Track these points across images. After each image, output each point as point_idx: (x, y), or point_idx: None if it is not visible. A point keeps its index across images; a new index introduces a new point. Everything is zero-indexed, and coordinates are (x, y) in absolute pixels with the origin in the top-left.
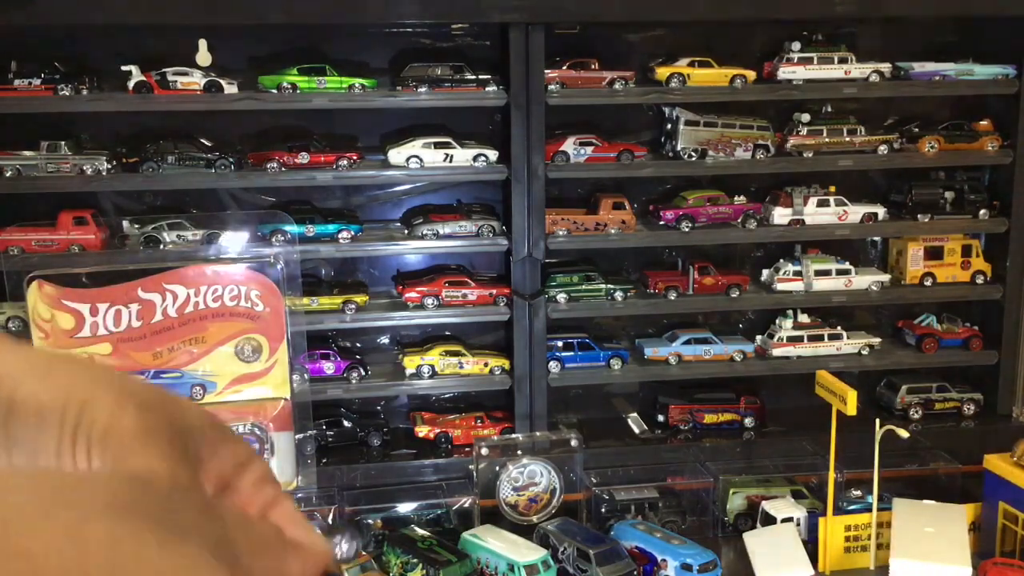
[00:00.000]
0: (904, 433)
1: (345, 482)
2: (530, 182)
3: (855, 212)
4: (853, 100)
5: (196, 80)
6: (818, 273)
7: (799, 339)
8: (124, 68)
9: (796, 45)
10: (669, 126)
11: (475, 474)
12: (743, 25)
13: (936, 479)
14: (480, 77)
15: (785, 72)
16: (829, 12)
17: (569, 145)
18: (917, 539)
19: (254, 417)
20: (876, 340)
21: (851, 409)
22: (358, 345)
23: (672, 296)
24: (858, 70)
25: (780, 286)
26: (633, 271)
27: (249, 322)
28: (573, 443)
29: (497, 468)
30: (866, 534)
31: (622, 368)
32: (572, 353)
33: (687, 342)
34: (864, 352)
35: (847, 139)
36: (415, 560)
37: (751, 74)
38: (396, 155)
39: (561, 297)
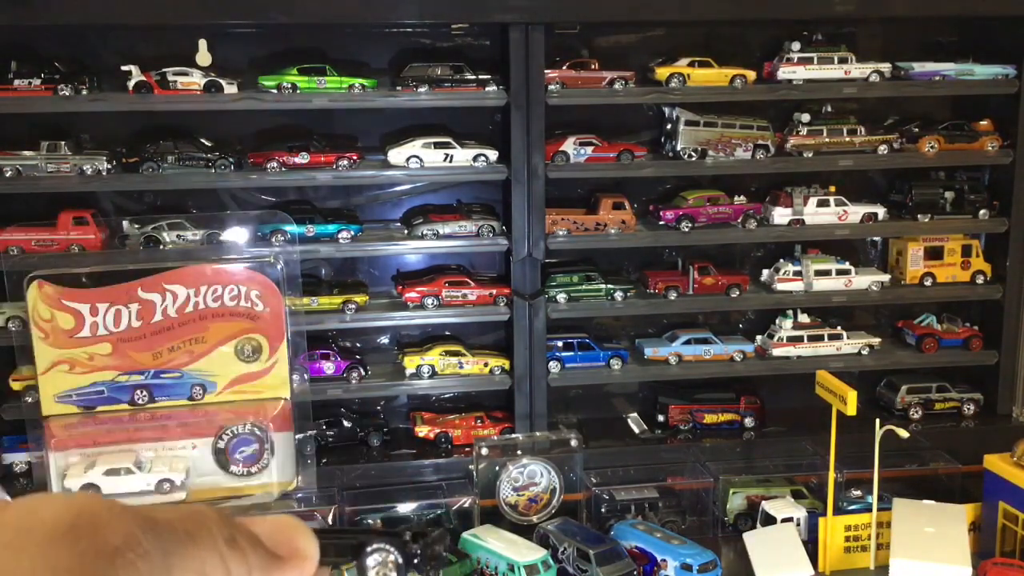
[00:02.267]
0: (904, 433)
1: (345, 482)
2: (530, 182)
3: (855, 212)
4: (853, 100)
5: (196, 80)
6: (818, 273)
7: (799, 339)
8: (124, 68)
9: (796, 45)
10: (669, 126)
11: (475, 474)
12: (743, 25)
13: (936, 479)
14: (480, 77)
15: (785, 72)
16: (829, 12)
17: (569, 145)
18: (917, 539)
19: (254, 417)
20: (876, 340)
21: (851, 409)
22: (358, 345)
23: (672, 296)
24: (858, 70)
25: (780, 286)
26: (633, 271)
27: (249, 322)
28: (573, 443)
29: (497, 468)
30: (866, 534)
31: (622, 368)
32: (572, 353)
33: (687, 342)
34: (864, 352)
35: (847, 139)
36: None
37: (751, 74)
38: (396, 155)
39: (561, 297)
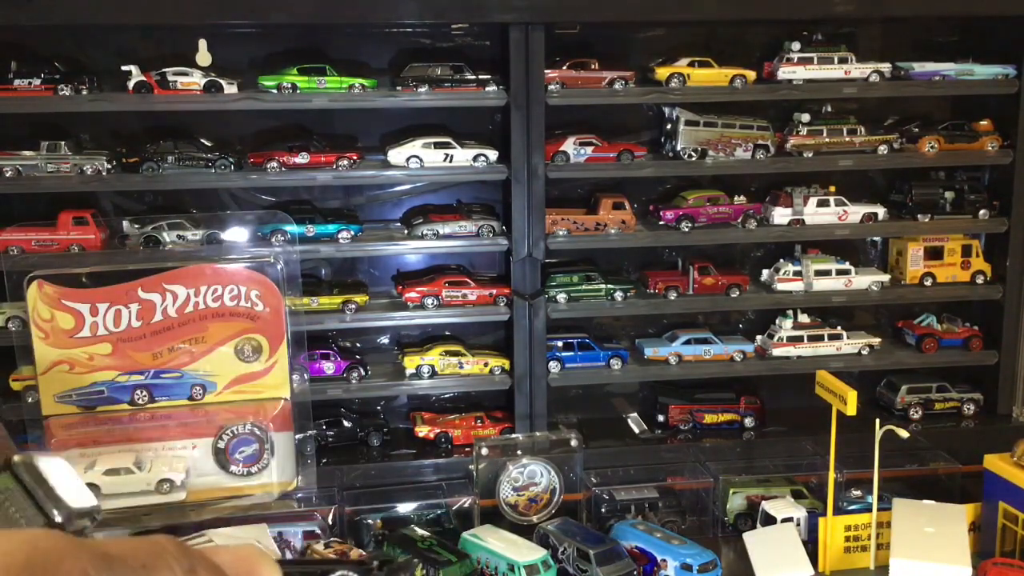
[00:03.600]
0: (904, 433)
1: (345, 482)
2: (530, 182)
3: (855, 212)
4: (853, 100)
5: (196, 80)
6: (818, 273)
7: (799, 339)
8: (124, 68)
9: (796, 45)
10: (669, 126)
11: (475, 474)
12: (743, 25)
13: (936, 479)
14: (480, 77)
15: (785, 72)
16: (829, 12)
17: (569, 145)
18: (917, 539)
19: (254, 417)
20: (876, 340)
21: (851, 409)
22: (358, 345)
23: (672, 296)
24: (858, 70)
25: (780, 286)
26: (633, 271)
27: (249, 322)
28: (573, 443)
29: (497, 468)
30: (866, 534)
31: (622, 368)
32: (572, 353)
33: (687, 342)
34: (864, 352)
35: (847, 139)
36: (415, 560)
37: (751, 74)
38: (396, 155)
39: (561, 297)
